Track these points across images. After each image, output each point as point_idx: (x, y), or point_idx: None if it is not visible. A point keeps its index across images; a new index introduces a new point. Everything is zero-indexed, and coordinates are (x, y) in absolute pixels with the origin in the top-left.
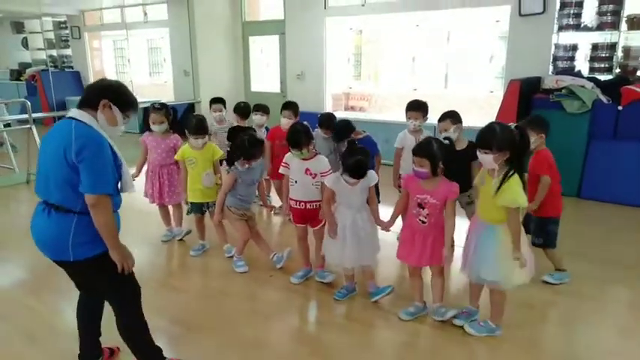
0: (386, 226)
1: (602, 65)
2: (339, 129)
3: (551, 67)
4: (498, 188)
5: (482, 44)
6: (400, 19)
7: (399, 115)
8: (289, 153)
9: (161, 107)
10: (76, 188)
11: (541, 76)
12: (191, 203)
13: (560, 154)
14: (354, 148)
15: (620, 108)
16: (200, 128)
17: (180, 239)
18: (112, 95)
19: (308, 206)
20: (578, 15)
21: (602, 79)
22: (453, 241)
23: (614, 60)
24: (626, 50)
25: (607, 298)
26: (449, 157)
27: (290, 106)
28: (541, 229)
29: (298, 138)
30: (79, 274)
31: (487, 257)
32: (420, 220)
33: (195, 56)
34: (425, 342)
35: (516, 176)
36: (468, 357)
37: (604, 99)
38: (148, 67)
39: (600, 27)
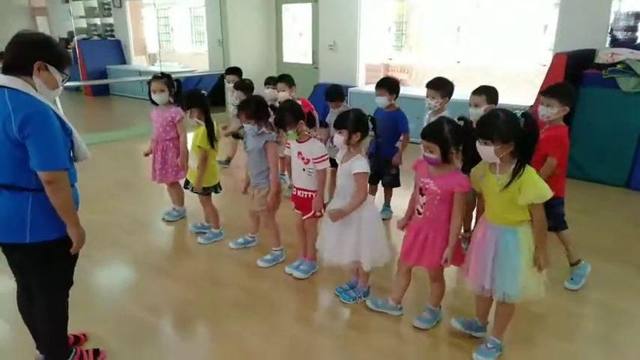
0: (335, 217)
1: None
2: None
3: (608, 39)
4: (506, 186)
5: (535, 12)
6: None
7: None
8: None
9: (162, 75)
10: (27, 164)
11: (595, 49)
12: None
13: (610, 138)
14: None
15: None
16: (187, 101)
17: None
18: (46, 54)
19: (299, 194)
20: None
21: None
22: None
23: None
24: None
25: None
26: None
27: (283, 78)
28: (548, 212)
29: (281, 116)
30: (29, 258)
31: (512, 269)
32: (417, 209)
33: (225, 25)
34: (412, 349)
35: (529, 168)
36: None
37: None
38: (191, 36)
39: None
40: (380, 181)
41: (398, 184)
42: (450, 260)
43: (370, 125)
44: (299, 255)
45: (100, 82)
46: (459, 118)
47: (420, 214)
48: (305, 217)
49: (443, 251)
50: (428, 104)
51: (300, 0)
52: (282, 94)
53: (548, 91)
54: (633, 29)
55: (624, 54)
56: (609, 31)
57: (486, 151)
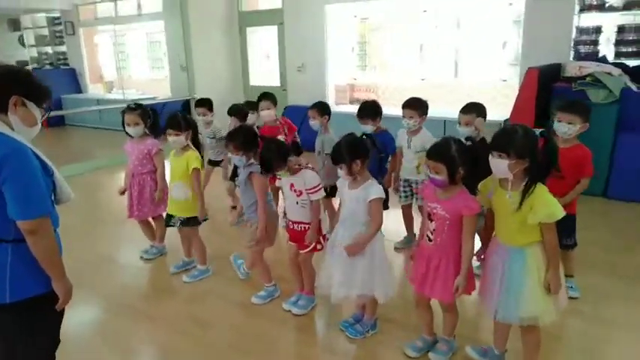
0: (354, 251)
1: (630, 49)
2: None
3: (572, 53)
4: (519, 206)
5: (495, 29)
6: (406, 4)
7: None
8: None
9: (136, 107)
10: (3, 213)
11: (561, 63)
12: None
13: None
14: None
15: None
16: (170, 124)
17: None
18: (23, 87)
19: (295, 227)
20: None
21: (631, 65)
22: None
23: None
24: None
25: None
26: (479, 157)
27: (267, 97)
28: (573, 228)
29: (269, 161)
30: (9, 321)
31: (521, 290)
32: (427, 235)
33: (189, 49)
34: None
35: (540, 186)
36: None
37: (633, 87)
38: (149, 62)
39: (627, 6)
40: None
41: (386, 207)
42: (462, 289)
43: (369, 143)
44: (294, 290)
45: (58, 112)
46: (467, 139)
47: (430, 240)
48: (304, 252)
49: (449, 281)
50: (406, 124)
51: (265, 23)
52: (267, 113)
53: (567, 108)
54: (594, 43)
55: (591, 67)
56: (572, 45)
57: (500, 164)
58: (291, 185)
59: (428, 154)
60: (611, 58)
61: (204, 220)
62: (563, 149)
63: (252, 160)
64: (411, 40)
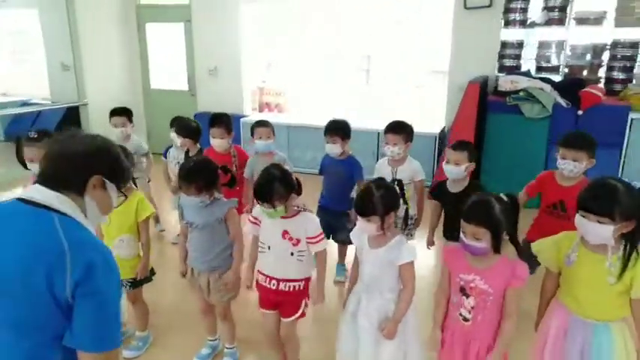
0: (393, 332)
1: (549, 64)
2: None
3: (497, 65)
4: (620, 276)
5: (408, 36)
6: (320, 5)
7: (318, 118)
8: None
9: (39, 136)
10: (56, 338)
11: (488, 76)
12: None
13: (520, 162)
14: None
15: (579, 112)
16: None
17: None
18: (106, 165)
19: (281, 286)
20: (524, 10)
21: (557, 81)
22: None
23: (561, 58)
24: (574, 48)
25: None
26: (445, 200)
27: (220, 122)
28: None
29: (270, 188)
30: None
31: None
32: (461, 314)
33: (77, 47)
34: None
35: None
36: None
37: (563, 103)
38: (12, 55)
39: (548, 23)
40: (331, 238)
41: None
42: None
43: (398, 190)
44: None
45: None
46: (507, 195)
47: (466, 320)
48: (290, 319)
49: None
50: (390, 151)
51: (169, 19)
52: (219, 143)
53: (572, 144)
54: (518, 57)
55: (523, 82)
56: (497, 58)
57: (601, 231)
58: (284, 233)
59: (466, 217)
60: (532, 72)
61: (153, 274)
62: (568, 187)
63: (216, 195)
64: (322, 43)
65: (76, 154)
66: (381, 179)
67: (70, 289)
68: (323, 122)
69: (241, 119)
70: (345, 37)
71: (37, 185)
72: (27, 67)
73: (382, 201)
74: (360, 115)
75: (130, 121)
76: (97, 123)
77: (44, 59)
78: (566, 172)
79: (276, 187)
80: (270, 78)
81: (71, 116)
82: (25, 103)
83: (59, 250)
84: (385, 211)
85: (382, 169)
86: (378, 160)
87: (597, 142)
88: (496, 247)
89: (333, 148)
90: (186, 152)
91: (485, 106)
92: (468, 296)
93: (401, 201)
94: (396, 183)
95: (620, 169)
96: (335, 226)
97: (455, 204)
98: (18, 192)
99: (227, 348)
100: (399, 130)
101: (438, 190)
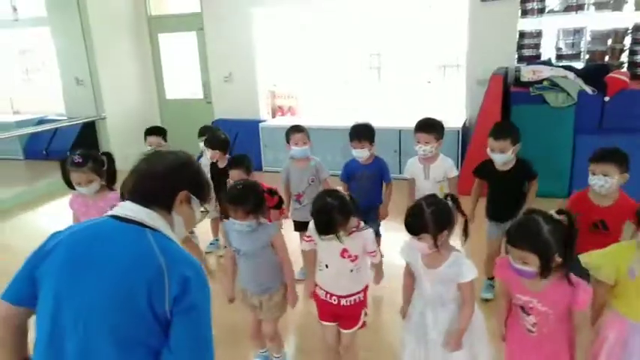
0: (457, 344)
1: (571, 52)
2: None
3: (516, 56)
4: None
5: (417, 32)
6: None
7: (331, 119)
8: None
9: (83, 160)
10: (156, 354)
11: (507, 67)
12: None
13: (547, 152)
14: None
15: (606, 99)
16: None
17: None
18: (192, 180)
19: (343, 302)
20: None
21: (579, 68)
22: None
23: (581, 45)
24: (594, 34)
25: None
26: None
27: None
28: None
29: (330, 219)
30: None
31: None
32: (526, 328)
33: (93, 61)
34: None
35: None
36: None
37: (588, 90)
38: (24, 74)
39: (566, 10)
40: None
41: (379, 234)
42: None
43: (451, 204)
44: None
45: None
46: (558, 212)
47: (532, 332)
48: (351, 330)
49: None
50: (422, 150)
51: (181, 28)
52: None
53: (600, 158)
54: (537, 46)
55: (545, 71)
56: (516, 48)
57: None
58: (343, 251)
59: (512, 239)
60: (553, 60)
61: None
62: (606, 208)
63: (261, 220)
64: (332, 42)
65: (163, 171)
66: (433, 196)
67: (169, 305)
68: (337, 123)
69: (260, 124)
70: (355, 35)
71: (127, 202)
72: (39, 84)
73: (433, 218)
74: (375, 114)
75: (165, 139)
76: (115, 136)
77: (57, 75)
78: (596, 188)
79: (337, 218)
80: (282, 81)
81: (88, 131)
82: (41, 121)
83: (157, 265)
84: (437, 229)
85: (413, 169)
86: (400, 158)
87: (628, 155)
88: (544, 273)
89: (362, 153)
90: (214, 164)
91: (508, 97)
92: (528, 314)
93: (458, 216)
94: (448, 198)
95: None
96: (364, 220)
97: (502, 182)
98: (42, 211)
99: (275, 357)
100: (430, 128)
101: (482, 168)
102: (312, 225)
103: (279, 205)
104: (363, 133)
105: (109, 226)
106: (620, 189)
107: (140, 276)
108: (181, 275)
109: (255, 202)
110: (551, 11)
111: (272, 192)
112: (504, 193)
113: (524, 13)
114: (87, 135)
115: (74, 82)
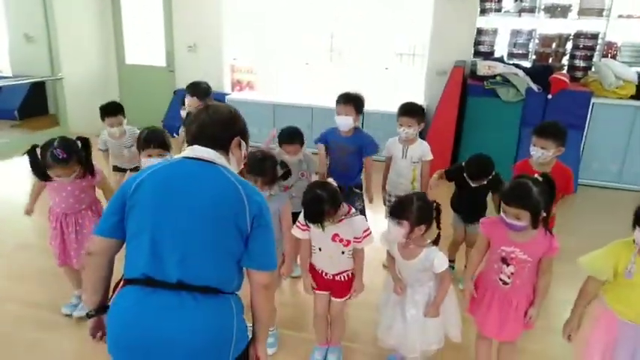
0: (433, 314)
1: (520, 52)
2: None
3: (472, 51)
4: None
5: (378, 19)
6: None
7: (294, 95)
8: None
9: (69, 156)
10: (234, 263)
11: (465, 60)
12: None
13: (495, 143)
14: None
15: (549, 97)
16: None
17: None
18: (242, 130)
19: (337, 278)
20: None
21: (527, 67)
22: None
23: (530, 46)
24: (542, 37)
25: None
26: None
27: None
28: None
29: (317, 209)
30: None
31: None
32: (500, 279)
33: (51, 18)
34: None
35: None
36: None
37: (535, 87)
38: None
39: (520, 12)
40: None
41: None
42: (535, 319)
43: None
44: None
45: None
46: (542, 176)
47: (505, 284)
48: (342, 300)
49: (523, 317)
50: (405, 133)
51: None
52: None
53: (541, 132)
54: (492, 44)
55: (499, 67)
56: (474, 44)
57: None
58: (335, 236)
59: (507, 199)
60: (505, 58)
61: None
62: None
63: (272, 191)
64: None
65: (222, 119)
66: (424, 194)
67: (250, 222)
68: (300, 101)
69: (226, 97)
70: (316, 17)
71: (196, 146)
72: None
73: (418, 210)
74: (334, 97)
75: (124, 116)
76: (71, 98)
77: (3, 30)
78: (535, 158)
79: (326, 209)
80: (242, 56)
81: (37, 91)
82: None
83: (238, 192)
84: (417, 221)
85: (393, 147)
86: None
87: (566, 130)
88: (535, 225)
89: (345, 121)
90: (188, 114)
91: (465, 89)
92: (508, 265)
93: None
94: (434, 205)
95: (581, 149)
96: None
97: (471, 192)
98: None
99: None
100: (413, 113)
101: (454, 172)
102: (302, 217)
103: (286, 175)
104: (351, 97)
105: (188, 164)
106: (556, 158)
107: (227, 202)
108: (257, 200)
109: (272, 173)
110: (507, 12)
111: (283, 164)
112: (471, 202)
113: (483, 11)
114: (36, 95)
115: (23, 39)
